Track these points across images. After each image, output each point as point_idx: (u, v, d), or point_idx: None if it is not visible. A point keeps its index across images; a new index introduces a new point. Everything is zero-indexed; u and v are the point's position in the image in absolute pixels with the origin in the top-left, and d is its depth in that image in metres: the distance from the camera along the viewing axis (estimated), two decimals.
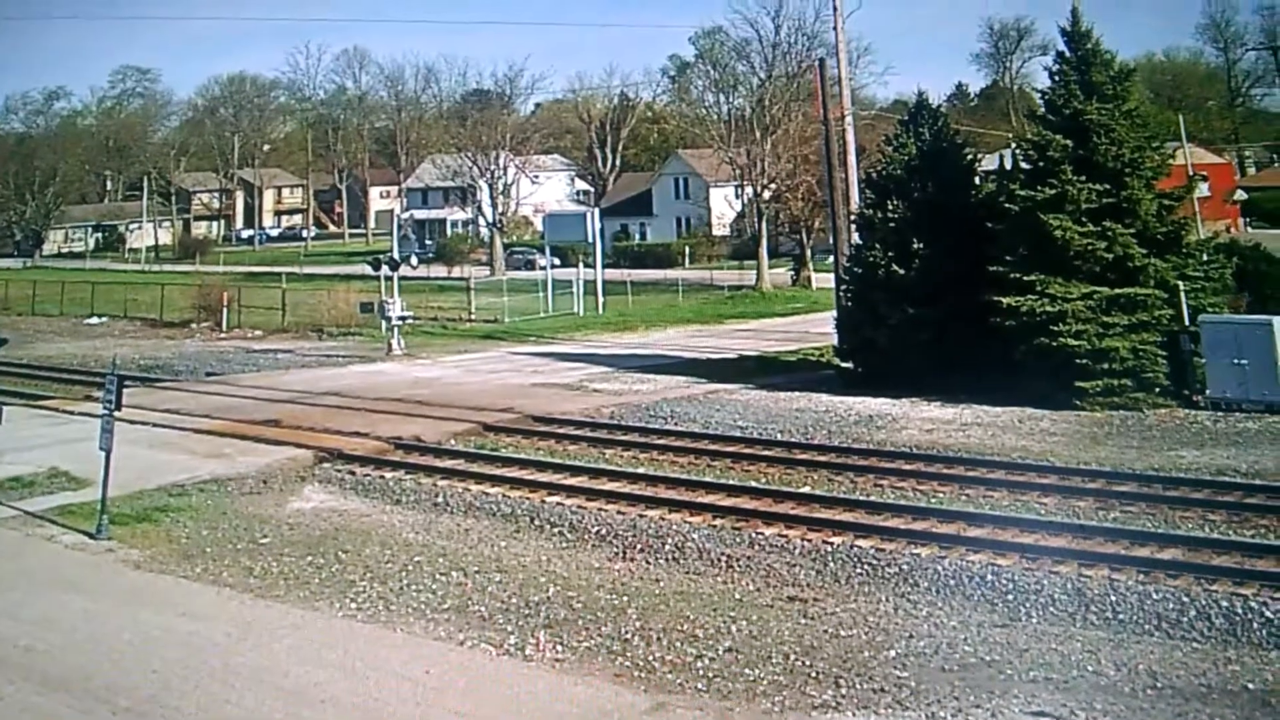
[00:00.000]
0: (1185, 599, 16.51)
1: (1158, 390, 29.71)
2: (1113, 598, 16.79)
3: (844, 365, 36.26)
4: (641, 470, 25.30)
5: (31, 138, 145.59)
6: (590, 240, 68.13)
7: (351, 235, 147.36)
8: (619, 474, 24.83)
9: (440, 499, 23.89)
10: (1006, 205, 31.32)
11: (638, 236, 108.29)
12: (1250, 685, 14.29)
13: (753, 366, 40.62)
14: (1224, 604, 16.27)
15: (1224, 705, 13.71)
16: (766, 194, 76.17)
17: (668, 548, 20.31)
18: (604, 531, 21.31)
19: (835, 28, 42.05)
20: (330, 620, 17.15)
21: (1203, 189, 49.11)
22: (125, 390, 23.39)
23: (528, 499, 23.20)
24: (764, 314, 61.14)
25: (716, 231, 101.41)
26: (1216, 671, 14.73)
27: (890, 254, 33.58)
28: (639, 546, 20.52)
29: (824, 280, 60.48)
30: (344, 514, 23.40)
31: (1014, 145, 35.84)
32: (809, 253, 76.42)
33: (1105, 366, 29.41)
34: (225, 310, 62.61)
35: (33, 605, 17.79)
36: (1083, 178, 30.43)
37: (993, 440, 27.12)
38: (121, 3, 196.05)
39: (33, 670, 15.23)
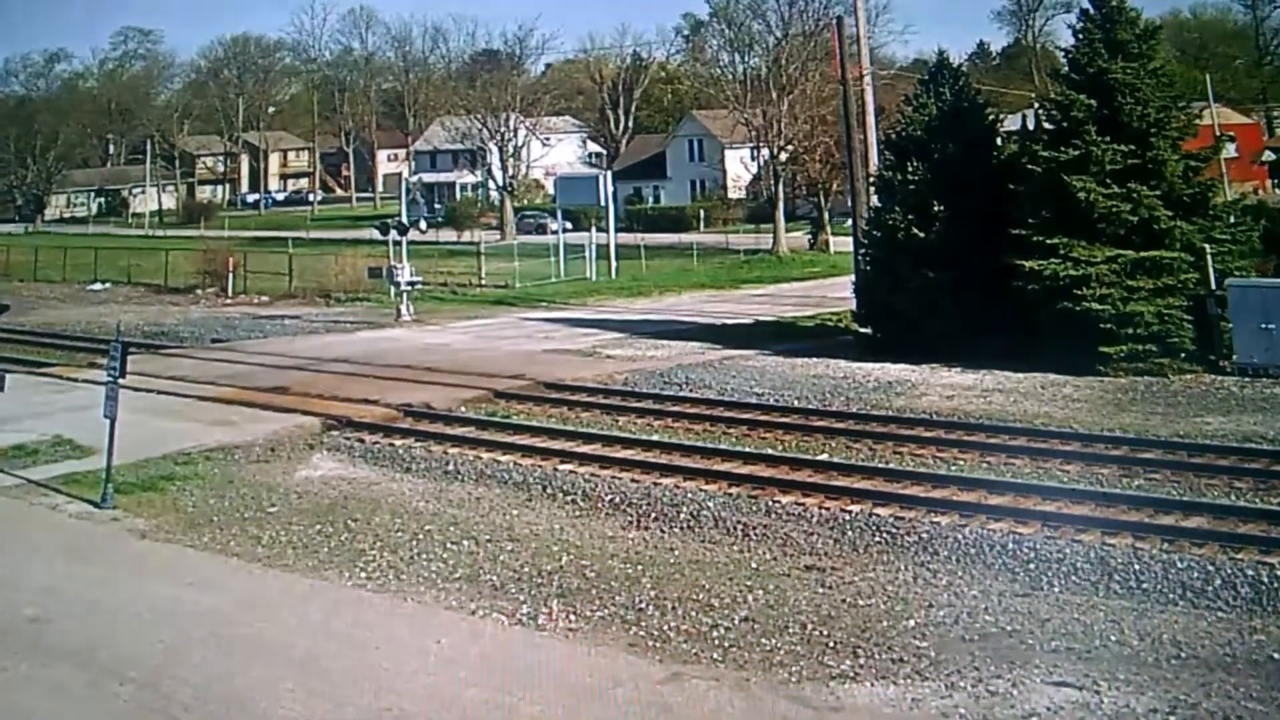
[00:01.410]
0: (1210, 568, 16.31)
1: (1183, 356, 29.45)
2: (1136, 566, 16.58)
3: (862, 330, 36.00)
4: (656, 438, 25.08)
5: (32, 101, 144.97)
6: (602, 203, 67.69)
7: (359, 199, 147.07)
8: (633, 441, 24.62)
9: (451, 467, 23.67)
10: (1029, 166, 31.02)
11: (651, 200, 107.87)
12: (1276, 655, 14.10)
13: (769, 332, 40.40)
14: (1250, 573, 16.07)
15: (1249, 675, 13.54)
16: (783, 156, 75.74)
17: (683, 516, 20.11)
18: (618, 500, 21.10)
19: None
20: (339, 590, 16.99)
21: (1230, 150, 48.84)
22: (130, 357, 23.13)
23: (540, 467, 22.98)
24: (780, 278, 60.85)
25: (732, 194, 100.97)
26: (1242, 641, 14.55)
27: (910, 217, 33.21)
28: (653, 515, 20.32)
29: (842, 244, 60.06)
30: (353, 482, 23.21)
31: (1037, 105, 35.58)
32: (827, 216, 75.98)
33: (1129, 331, 29.16)
34: (231, 276, 62.37)
35: (37, 575, 17.63)
36: (1107, 138, 30.11)
37: (1014, 407, 26.88)
38: None
39: (38, 641, 15.07)
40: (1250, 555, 16.55)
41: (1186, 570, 16.34)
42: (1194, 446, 22.59)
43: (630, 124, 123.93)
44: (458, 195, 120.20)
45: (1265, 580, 15.86)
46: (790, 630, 15.11)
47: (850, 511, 19.39)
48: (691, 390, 30.28)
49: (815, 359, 33.86)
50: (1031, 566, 17.09)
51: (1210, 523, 17.95)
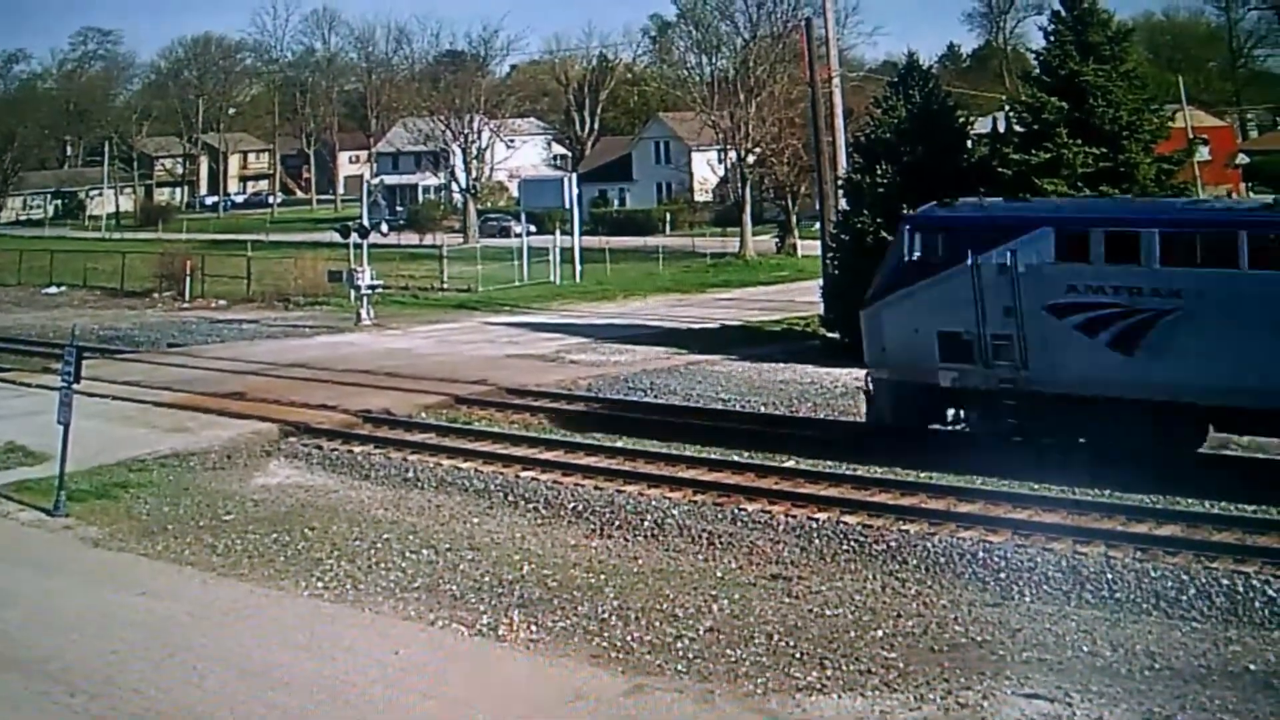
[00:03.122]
0: (1184, 577, 16.20)
1: None
2: (1109, 576, 16.48)
3: (830, 335, 35.92)
4: (619, 444, 24.81)
5: None
6: (567, 206, 67.35)
7: (319, 201, 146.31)
8: (596, 448, 24.37)
9: (410, 474, 23.40)
10: (1000, 170, 30.99)
11: (617, 202, 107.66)
12: (1252, 666, 14.02)
13: (735, 337, 40.23)
14: (1224, 582, 15.98)
15: (1224, 687, 13.44)
16: (750, 158, 75.74)
17: (647, 524, 19.88)
18: (580, 508, 20.87)
19: None
20: (296, 599, 16.79)
21: (1203, 153, 49.00)
22: (84, 362, 22.92)
23: (501, 474, 22.73)
24: (748, 282, 60.76)
25: (699, 197, 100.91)
26: (1217, 652, 14.45)
27: (879, 220, 33.04)
28: (617, 523, 20.10)
29: (810, 248, 60.11)
30: (310, 490, 22.90)
31: (1008, 108, 35.62)
32: (794, 219, 76.00)
33: None
34: (188, 279, 61.78)
35: None
36: (1079, 141, 30.14)
37: None
38: None
39: None
40: (1225, 564, 16.44)
41: (1160, 579, 16.21)
42: None
43: (596, 126, 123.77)
44: (420, 198, 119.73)
45: (1240, 590, 15.75)
46: (756, 641, 14.94)
47: (817, 519, 19.19)
48: (657, 396, 30.09)
49: (782, 364, 33.78)
50: (1002, 576, 16.94)
51: (1184, 531, 17.85)
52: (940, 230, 24.00)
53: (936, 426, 23.84)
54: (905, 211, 26.33)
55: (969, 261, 22.67)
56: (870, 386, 24.46)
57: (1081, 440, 22.02)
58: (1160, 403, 20.97)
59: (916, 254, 23.95)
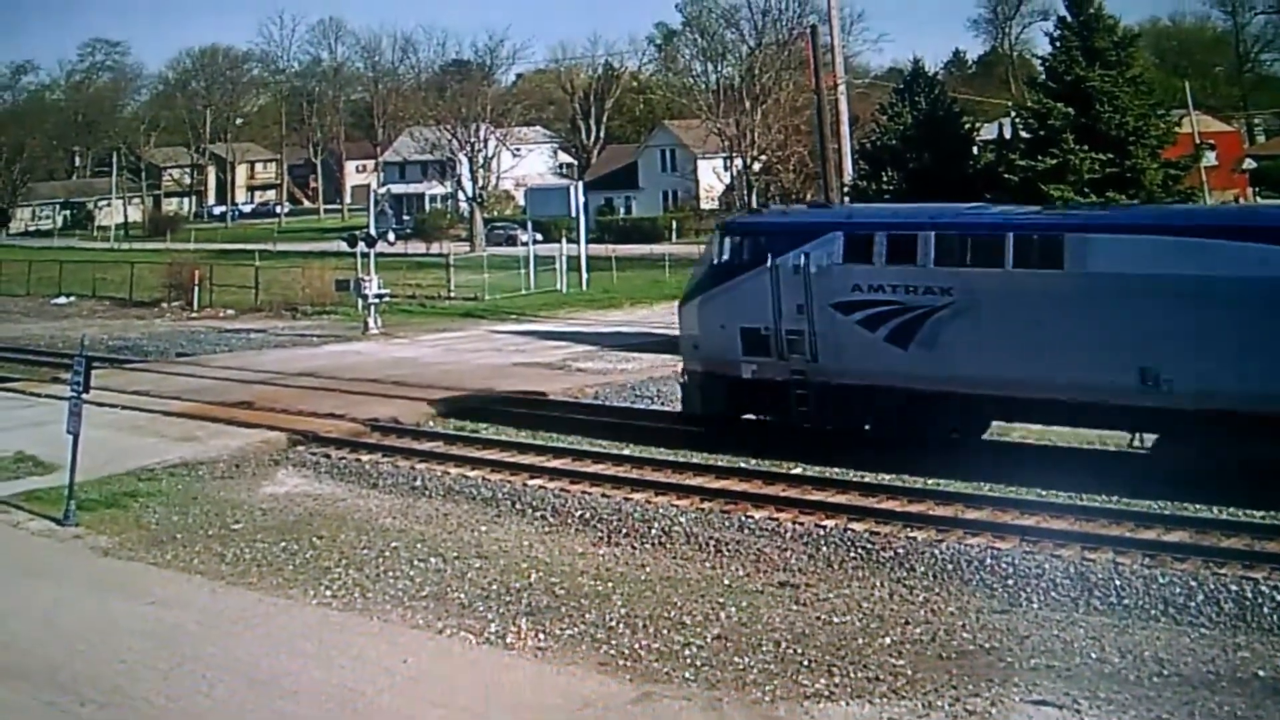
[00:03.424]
0: (1193, 583, 16.14)
1: None
2: (1117, 582, 16.41)
3: None
4: (626, 452, 24.80)
5: None
6: (573, 214, 67.42)
7: (327, 211, 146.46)
8: (603, 456, 24.34)
9: (418, 482, 23.40)
10: (1006, 176, 31.06)
11: (623, 210, 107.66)
12: (1261, 673, 13.97)
13: None
14: (1233, 588, 15.91)
15: (1233, 693, 13.39)
16: (756, 165, 75.80)
17: (654, 532, 19.88)
18: (588, 515, 20.85)
19: None
20: (304, 608, 16.78)
21: (1210, 158, 48.96)
22: (94, 372, 23.04)
23: (508, 482, 22.71)
24: None
25: (705, 205, 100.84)
26: (1225, 658, 14.41)
27: None
28: (624, 531, 20.09)
29: None
30: (318, 498, 22.94)
31: (1014, 114, 35.68)
32: None
33: None
34: (196, 289, 61.92)
35: None
36: (1085, 147, 30.20)
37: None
38: None
39: None
40: (1233, 570, 16.36)
41: (1168, 586, 16.15)
42: None
43: (602, 134, 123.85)
44: (427, 207, 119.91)
45: (1249, 596, 15.68)
46: (763, 648, 14.91)
47: (825, 527, 19.16)
48: (663, 404, 30.05)
49: None
50: (1010, 582, 16.90)
51: (1192, 537, 17.78)
52: (746, 235, 26.00)
53: (749, 416, 25.51)
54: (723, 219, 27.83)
55: (768, 263, 24.39)
56: (684, 378, 26.36)
57: (866, 428, 23.84)
58: (934, 392, 22.64)
59: (725, 256, 25.80)
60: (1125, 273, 21.09)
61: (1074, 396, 21.55)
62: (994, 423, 24.02)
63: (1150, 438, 22.11)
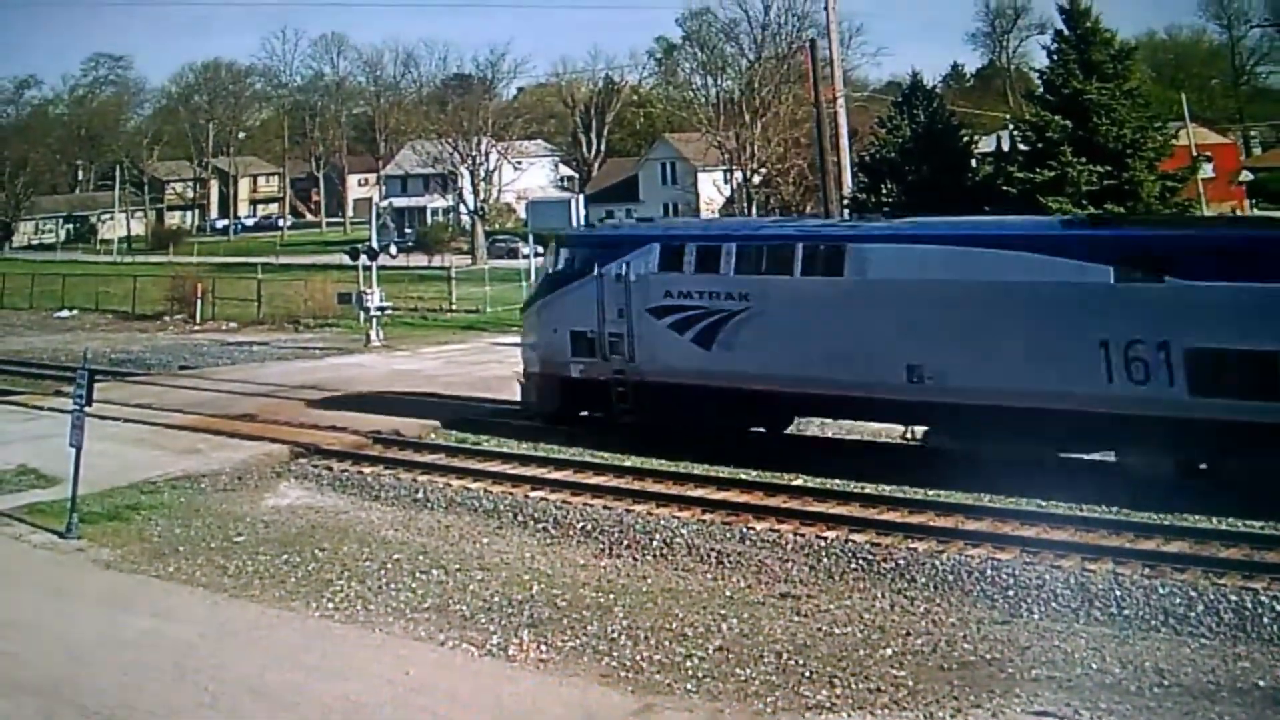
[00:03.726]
0: (1193, 593, 16.17)
1: None
2: (1117, 593, 16.45)
3: None
4: (628, 464, 24.80)
5: (1, 127, 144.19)
6: (575, 227, 67.41)
7: (329, 224, 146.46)
8: (604, 467, 24.34)
9: (420, 495, 23.42)
10: (1004, 188, 31.17)
11: None
12: (1261, 683, 14.01)
13: None
14: (1233, 598, 15.94)
15: (1233, 704, 13.43)
16: (756, 178, 75.82)
17: (655, 543, 19.90)
18: (589, 527, 20.88)
19: (826, 7, 41.86)
20: (307, 620, 16.78)
21: (1207, 170, 49.01)
22: (96, 384, 22.98)
23: (510, 494, 22.73)
24: None
25: (705, 217, 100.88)
26: (1226, 668, 14.45)
27: None
28: (626, 542, 20.12)
29: None
30: (321, 511, 22.94)
31: (1011, 126, 35.83)
32: None
33: None
34: (199, 302, 61.92)
35: None
36: (1083, 159, 30.30)
37: None
38: None
39: None
40: (1233, 580, 16.39)
41: (1168, 596, 16.18)
42: None
43: (602, 147, 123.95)
44: (429, 220, 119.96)
45: (1249, 606, 15.71)
46: (765, 660, 14.93)
47: (826, 538, 19.17)
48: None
49: None
50: (1011, 593, 16.93)
51: (1192, 548, 17.78)
52: (577, 247, 28.77)
53: (585, 413, 27.62)
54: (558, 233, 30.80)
55: (595, 272, 26.76)
56: (525, 379, 28.51)
57: (683, 423, 25.66)
58: (735, 389, 24.74)
59: (560, 266, 28.42)
60: (896, 279, 23.22)
61: (857, 393, 23.59)
62: (796, 418, 26.48)
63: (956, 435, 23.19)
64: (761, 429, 26.22)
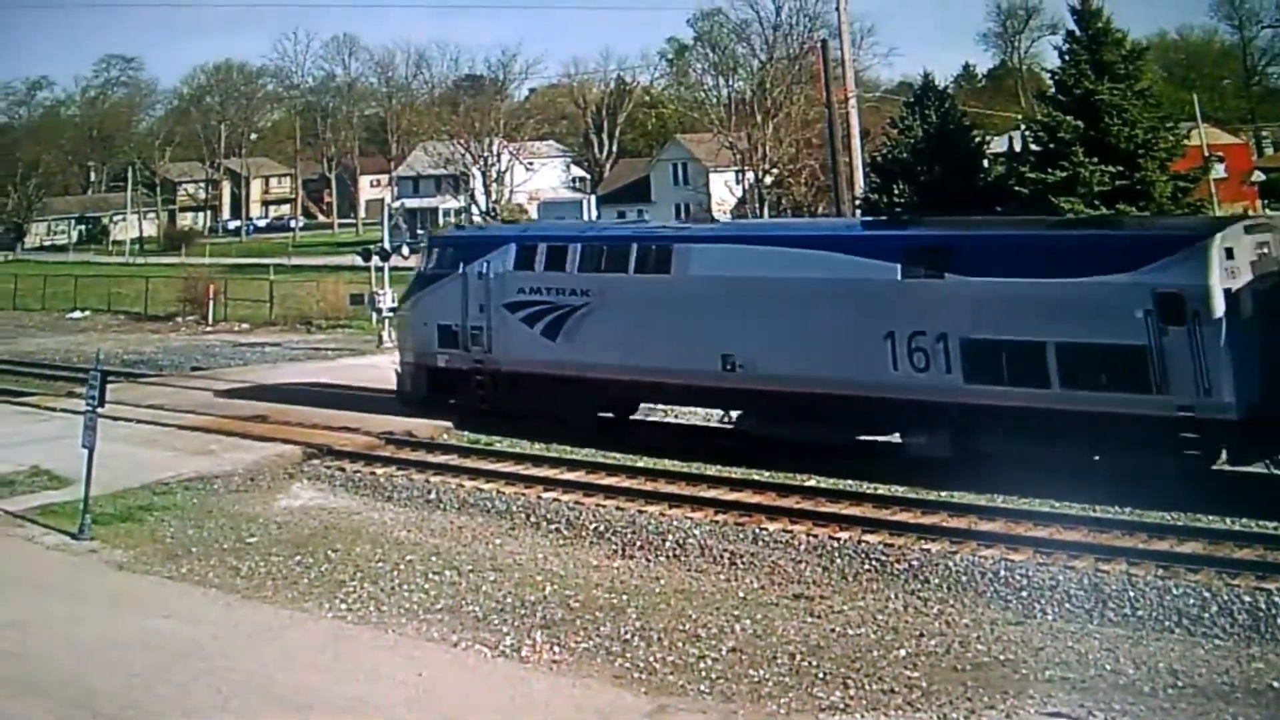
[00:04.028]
0: (1206, 594, 16.14)
1: None
2: (1131, 593, 16.42)
3: None
4: (641, 464, 24.79)
5: (13, 128, 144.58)
6: None
7: (341, 225, 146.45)
8: (617, 468, 24.34)
9: (433, 495, 23.46)
10: (1016, 188, 31.06)
11: None
12: (1275, 684, 13.97)
13: None
14: (1247, 599, 15.91)
15: (1247, 704, 13.40)
16: (768, 179, 75.71)
17: (668, 544, 19.91)
18: (602, 528, 20.90)
19: (837, 8, 41.81)
20: (320, 621, 16.80)
21: (1219, 170, 48.86)
22: (109, 386, 23.05)
23: (523, 495, 22.77)
24: None
25: (717, 218, 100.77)
26: (1240, 669, 14.42)
27: None
28: (639, 543, 20.13)
29: None
30: (333, 512, 22.97)
31: (1023, 127, 35.74)
32: None
33: None
34: (211, 303, 62.04)
35: (11, 608, 17.35)
36: (1095, 159, 30.19)
37: None
38: None
39: (10, 675, 14.82)
40: (1247, 581, 16.35)
41: (1182, 597, 16.15)
42: None
43: (614, 148, 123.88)
44: (441, 220, 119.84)
45: (1263, 607, 15.68)
46: (778, 661, 14.92)
47: (839, 539, 19.17)
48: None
49: None
50: (1024, 594, 16.91)
51: (1205, 548, 17.75)
52: (446, 247, 31.26)
53: (454, 401, 29.58)
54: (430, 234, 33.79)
55: (460, 270, 29.29)
56: (400, 368, 30.95)
57: (534, 409, 27.69)
58: (579, 377, 26.95)
59: (431, 265, 30.91)
60: (712, 276, 25.42)
61: (683, 381, 25.88)
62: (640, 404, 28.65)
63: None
64: (610, 414, 28.18)
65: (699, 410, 28.50)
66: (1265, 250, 21.58)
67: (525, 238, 29.81)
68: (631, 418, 28.64)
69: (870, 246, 24.15)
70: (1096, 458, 21.43)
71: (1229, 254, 20.78)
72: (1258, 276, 21.01)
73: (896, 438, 23.85)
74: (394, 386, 31.09)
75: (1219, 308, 20.26)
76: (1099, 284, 21.04)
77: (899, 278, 22.98)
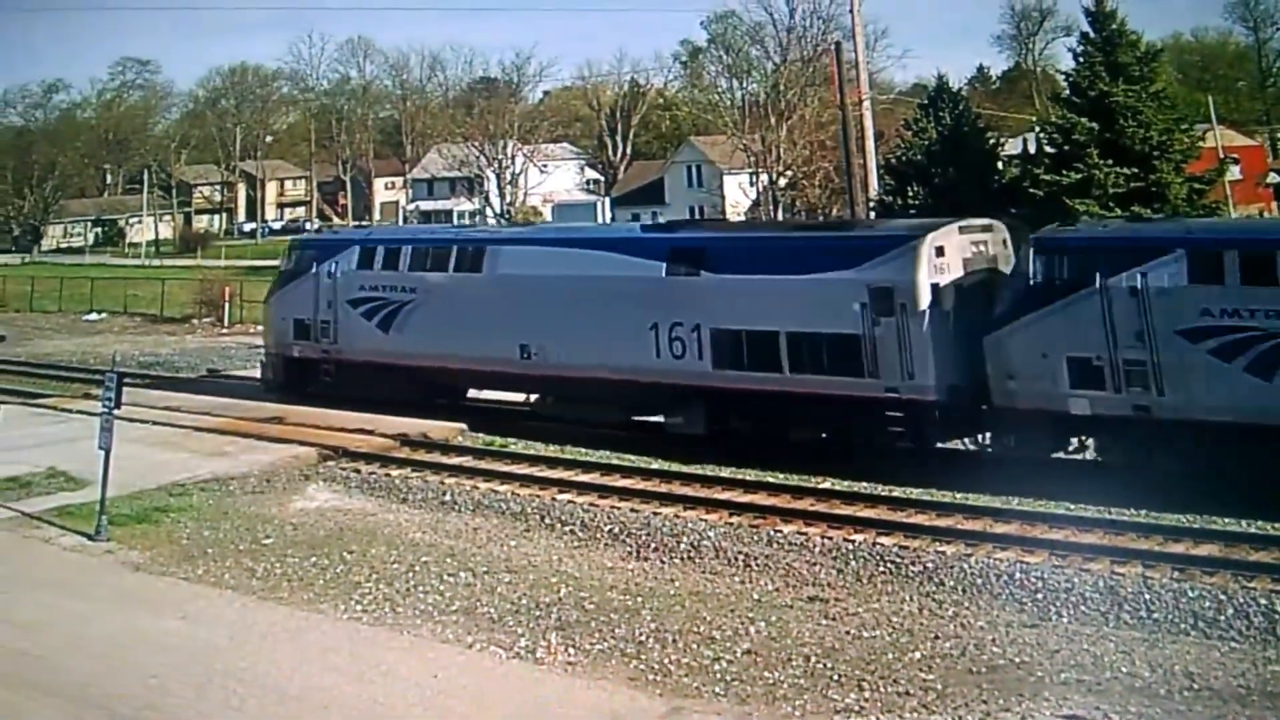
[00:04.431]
0: (1222, 597, 16.12)
1: None
2: (1146, 596, 16.39)
3: None
4: (655, 466, 24.80)
5: (30, 131, 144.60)
6: None
7: (356, 227, 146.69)
8: (632, 470, 24.35)
9: (448, 497, 23.49)
10: (1031, 190, 30.99)
11: None
12: None
13: None
14: (1263, 602, 15.89)
15: (1264, 707, 13.38)
16: (782, 181, 75.51)
17: (683, 546, 19.89)
18: (617, 530, 20.90)
19: (851, 10, 41.74)
20: (335, 623, 16.83)
21: (1234, 172, 48.74)
22: (125, 388, 23.02)
23: (538, 497, 22.80)
24: None
25: (730, 219, 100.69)
26: (1256, 672, 14.38)
27: None
28: (653, 545, 20.12)
29: None
30: (349, 513, 23.00)
31: (1038, 129, 35.62)
32: None
33: None
34: (227, 305, 62.06)
35: (28, 609, 17.41)
36: (1109, 161, 30.12)
37: None
38: None
39: (27, 676, 14.87)
40: (1263, 584, 16.34)
41: (1198, 599, 16.13)
42: None
43: (628, 150, 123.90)
44: (455, 223, 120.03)
45: (1279, 609, 15.62)
46: (793, 663, 14.91)
47: (853, 541, 19.16)
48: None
49: None
50: (1039, 596, 16.88)
51: (1221, 551, 17.73)
52: (304, 249, 35.29)
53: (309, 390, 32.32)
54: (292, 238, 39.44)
55: (314, 270, 32.74)
56: (264, 357, 35.11)
57: (372, 395, 30.39)
58: (407, 366, 30.31)
59: (290, 265, 34.56)
60: (514, 274, 28.88)
61: (492, 368, 29.10)
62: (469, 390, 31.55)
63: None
64: (443, 399, 30.88)
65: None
66: (980, 249, 23.97)
67: (367, 240, 33.65)
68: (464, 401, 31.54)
69: (642, 247, 27.46)
70: (824, 435, 24.83)
71: (939, 252, 23.24)
72: (967, 273, 23.31)
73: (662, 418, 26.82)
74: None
75: (924, 301, 22.71)
76: (823, 280, 23.88)
77: (664, 275, 26.10)
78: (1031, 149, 34.33)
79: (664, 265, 26.08)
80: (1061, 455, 22.50)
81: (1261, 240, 21.62)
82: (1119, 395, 20.87)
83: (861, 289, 23.16)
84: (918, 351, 22.66)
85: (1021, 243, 23.41)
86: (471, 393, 31.67)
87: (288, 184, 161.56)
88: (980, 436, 23.52)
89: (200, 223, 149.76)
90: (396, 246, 31.70)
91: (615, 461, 25.41)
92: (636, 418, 27.45)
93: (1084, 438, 22.24)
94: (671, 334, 25.67)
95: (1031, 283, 22.19)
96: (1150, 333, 20.55)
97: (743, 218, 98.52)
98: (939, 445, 23.85)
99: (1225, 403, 19.87)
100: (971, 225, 24.62)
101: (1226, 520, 19.36)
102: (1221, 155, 48.01)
